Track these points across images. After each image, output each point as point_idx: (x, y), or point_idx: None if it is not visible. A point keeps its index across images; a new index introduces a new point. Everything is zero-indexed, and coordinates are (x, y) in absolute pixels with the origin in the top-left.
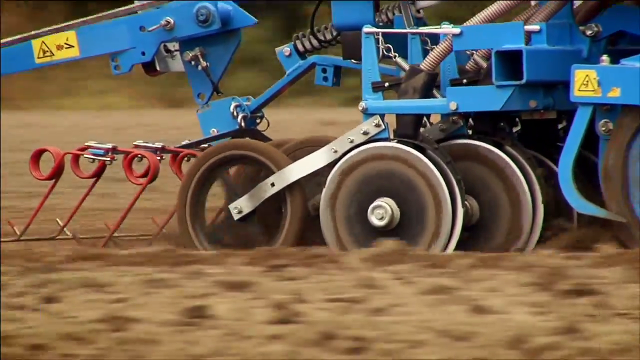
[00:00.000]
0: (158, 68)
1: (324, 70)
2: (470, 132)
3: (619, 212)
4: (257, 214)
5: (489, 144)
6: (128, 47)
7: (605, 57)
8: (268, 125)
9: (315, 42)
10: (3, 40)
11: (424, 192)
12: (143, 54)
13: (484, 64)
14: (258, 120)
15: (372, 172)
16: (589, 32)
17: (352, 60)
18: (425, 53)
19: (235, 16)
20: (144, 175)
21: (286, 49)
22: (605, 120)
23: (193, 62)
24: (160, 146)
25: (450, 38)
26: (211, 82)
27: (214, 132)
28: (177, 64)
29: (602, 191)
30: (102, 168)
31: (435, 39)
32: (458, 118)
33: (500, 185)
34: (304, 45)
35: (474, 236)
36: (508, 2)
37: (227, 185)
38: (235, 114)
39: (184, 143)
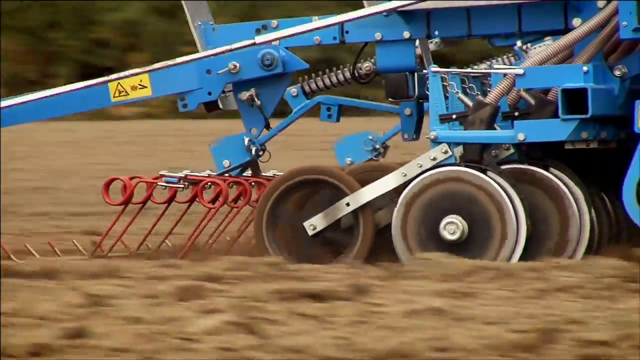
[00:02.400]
0: (221, 106)
1: (329, 109)
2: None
3: None
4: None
5: (541, 168)
6: (196, 88)
7: None
8: (270, 157)
9: (320, 84)
10: (81, 84)
11: (490, 211)
12: (209, 93)
13: (532, 100)
14: (261, 152)
15: (442, 193)
16: (617, 73)
17: (390, 99)
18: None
19: (290, 61)
20: (214, 200)
21: (293, 90)
22: None
23: (248, 101)
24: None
25: (512, 76)
26: (264, 118)
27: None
28: (232, 102)
29: None
30: (174, 194)
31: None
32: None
33: (552, 204)
34: (310, 87)
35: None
36: (557, 45)
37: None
38: (249, 147)
39: (204, 174)
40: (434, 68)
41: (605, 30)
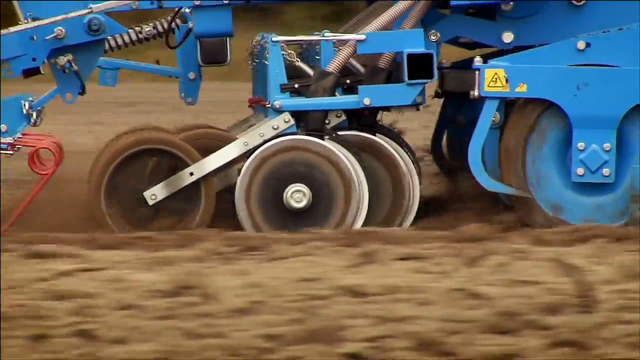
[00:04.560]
0: (43, 72)
1: (108, 73)
2: None
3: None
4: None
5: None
6: (20, 54)
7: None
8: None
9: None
10: None
11: (334, 179)
12: (34, 59)
13: (361, 68)
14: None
15: (285, 162)
16: (433, 38)
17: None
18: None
19: (112, 26)
20: None
21: None
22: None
23: (63, 67)
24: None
25: (354, 43)
26: (81, 83)
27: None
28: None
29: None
30: None
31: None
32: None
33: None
34: None
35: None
36: (397, 9)
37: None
38: (29, 110)
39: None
40: (275, 37)
41: None
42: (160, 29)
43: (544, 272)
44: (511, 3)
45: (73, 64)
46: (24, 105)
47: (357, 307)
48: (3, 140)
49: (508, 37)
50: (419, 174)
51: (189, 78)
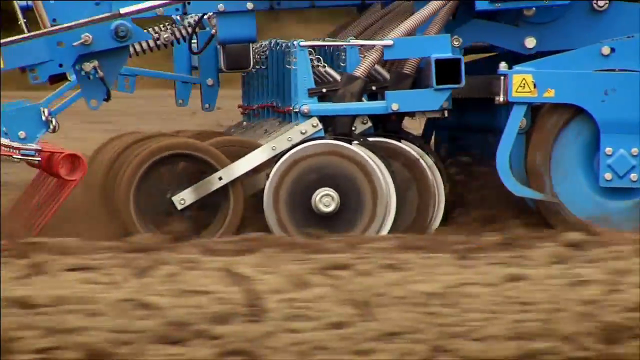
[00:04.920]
0: (69, 78)
1: (126, 79)
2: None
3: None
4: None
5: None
6: (47, 60)
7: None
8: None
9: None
10: None
11: (362, 183)
12: (60, 65)
13: (386, 74)
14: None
15: (314, 166)
16: (456, 44)
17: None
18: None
19: (137, 32)
20: None
21: None
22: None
23: (89, 73)
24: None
25: (381, 48)
26: (107, 89)
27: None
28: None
29: None
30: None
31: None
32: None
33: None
34: None
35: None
36: (423, 14)
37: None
38: (49, 117)
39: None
40: (303, 42)
41: (452, 2)
42: (178, 35)
43: (214, 281)
44: (533, 9)
45: (99, 70)
46: (43, 112)
47: (26, 319)
48: (30, 146)
49: (531, 42)
50: (444, 179)
51: (207, 84)
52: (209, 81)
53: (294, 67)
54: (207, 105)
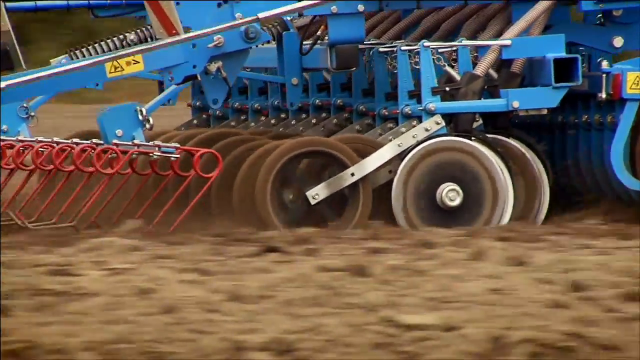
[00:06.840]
0: (199, 78)
1: None
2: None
3: None
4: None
5: (505, 136)
6: (182, 62)
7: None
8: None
9: None
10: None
11: (483, 178)
12: (194, 67)
13: (494, 74)
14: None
15: (439, 162)
16: None
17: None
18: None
19: (262, 34)
20: None
21: None
22: None
23: (213, 73)
24: None
25: (499, 48)
26: (229, 88)
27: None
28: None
29: None
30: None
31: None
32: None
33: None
34: None
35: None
36: (534, 13)
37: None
38: (144, 116)
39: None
40: (426, 42)
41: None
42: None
43: None
44: (621, 10)
45: (222, 70)
46: (140, 111)
47: None
48: (169, 145)
49: (619, 42)
50: (548, 174)
51: (292, 84)
52: (294, 80)
53: (417, 67)
54: (292, 104)
